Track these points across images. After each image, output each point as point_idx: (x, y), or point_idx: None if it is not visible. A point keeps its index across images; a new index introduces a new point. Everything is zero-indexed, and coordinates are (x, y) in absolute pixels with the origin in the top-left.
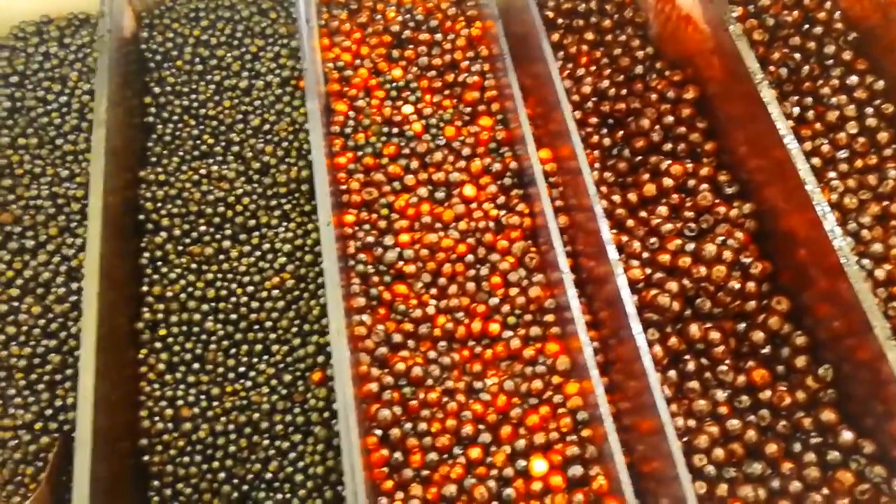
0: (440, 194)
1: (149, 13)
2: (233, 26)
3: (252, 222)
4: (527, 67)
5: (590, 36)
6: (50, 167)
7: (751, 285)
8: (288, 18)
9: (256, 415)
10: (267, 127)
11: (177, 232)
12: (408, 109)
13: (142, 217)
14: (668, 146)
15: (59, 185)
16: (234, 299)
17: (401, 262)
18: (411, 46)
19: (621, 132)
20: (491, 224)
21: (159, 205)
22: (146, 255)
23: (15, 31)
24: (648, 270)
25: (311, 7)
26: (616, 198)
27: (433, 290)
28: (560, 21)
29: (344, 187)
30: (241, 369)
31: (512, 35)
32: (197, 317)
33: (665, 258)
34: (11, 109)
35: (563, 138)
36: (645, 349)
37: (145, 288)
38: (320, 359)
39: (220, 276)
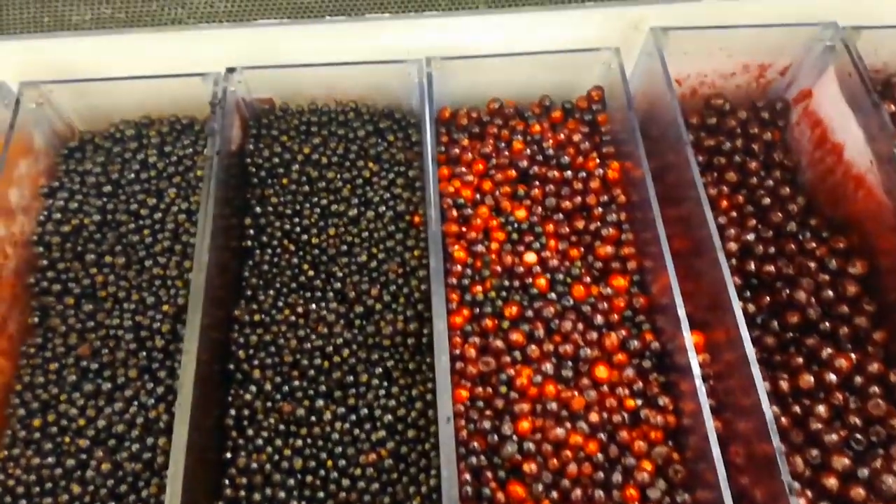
0: (567, 372)
1: (256, 122)
2: (346, 146)
3: (350, 378)
4: (664, 212)
5: (732, 177)
6: (135, 292)
7: None
8: (406, 142)
9: None
10: (374, 264)
11: (268, 386)
12: (531, 258)
13: (231, 366)
14: (825, 325)
15: (143, 314)
16: (322, 473)
17: (519, 456)
18: (538, 183)
19: (768, 298)
20: (626, 416)
21: (252, 352)
22: (232, 412)
23: (113, 129)
24: (810, 494)
25: (432, 136)
26: (765, 384)
27: (554, 494)
28: (700, 158)
29: (458, 352)
30: None
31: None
32: (282, 494)
33: (832, 483)
34: (101, 223)
35: (718, 315)
36: None
37: (228, 455)
38: None
39: (310, 442)
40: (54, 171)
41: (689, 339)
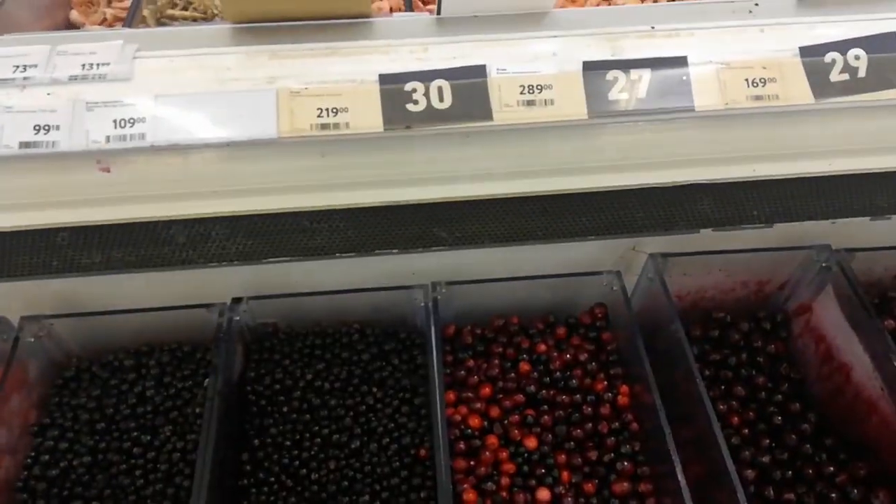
0: None
1: (259, 346)
2: (349, 370)
3: None
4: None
5: (740, 391)
6: None
7: None
8: (411, 364)
9: None
10: None
11: None
12: (544, 495)
13: None
14: None
15: None
16: None
17: None
18: (546, 408)
19: None
20: None
21: None
22: None
23: (112, 357)
24: None
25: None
26: None
27: None
28: (706, 373)
29: None
30: None
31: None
32: None
33: None
34: (91, 464)
35: None
36: None
37: None
38: None
39: None
40: (46, 405)
41: None
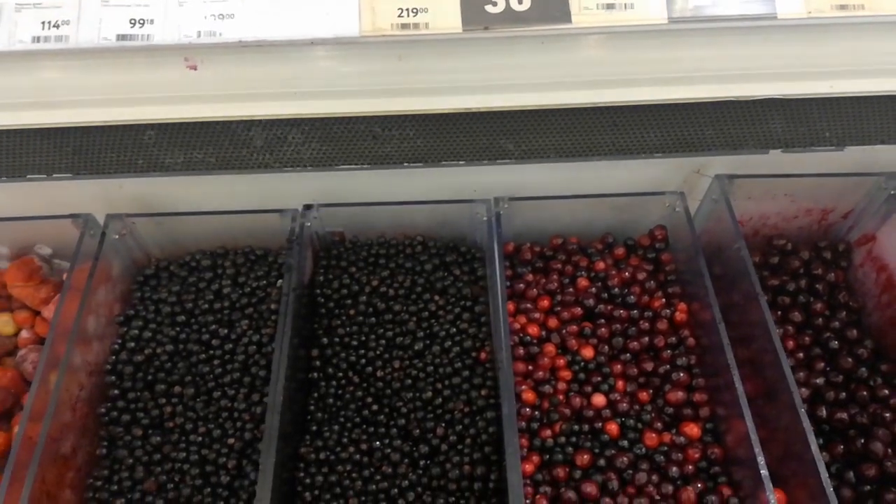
0: None
1: (327, 253)
2: (412, 279)
3: None
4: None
5: (797, 317)
6: (202, 424)
7: None
8: (471, 276)
9: None
10: (439, 401)
11: None
12: (599, 400)
13: None
14: None
15: (209, 447)
16: None
17: None
18: (604, 322)
19: (842, 447)
20: None
21: (317, 492)
22: None
23: (189, 258)
24: None
25: (501, 276)
26: None
27: None
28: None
29: (528, 503)
30: None
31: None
32: None
33: None
34: (173, 353)
35: (795, 467)
36: None
37: None
38: None
39: None
40: (129, 299)
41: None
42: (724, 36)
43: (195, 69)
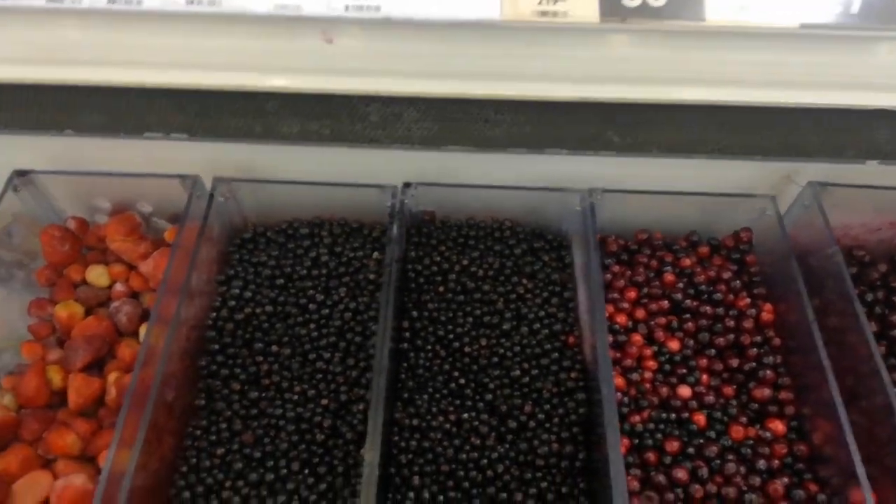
0: None
1: (418, 231)
2: (501, 261)
3: (503, 495)
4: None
5: (873, 328)
6: (297, 384)
7: None
8: (559, 262)
9: None
10: (527, 380)
11: (425, 495)
12: (685, 392)
13: (392, 470)
14: None
15: (304, 405)
16: None
17: None
18: (690, 317)
19: None
20: None
21: (411, 457)
22: None
23: (286, 225)
24: None
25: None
26: None
27: None
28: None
29: None
30: None
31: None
32: None
33: None
34: (272, 314)
35: (883, 468)
36: None
37: None
38: None
39: None
40: (228, 260)
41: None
42: (850, 42)
43: (331, 42)
